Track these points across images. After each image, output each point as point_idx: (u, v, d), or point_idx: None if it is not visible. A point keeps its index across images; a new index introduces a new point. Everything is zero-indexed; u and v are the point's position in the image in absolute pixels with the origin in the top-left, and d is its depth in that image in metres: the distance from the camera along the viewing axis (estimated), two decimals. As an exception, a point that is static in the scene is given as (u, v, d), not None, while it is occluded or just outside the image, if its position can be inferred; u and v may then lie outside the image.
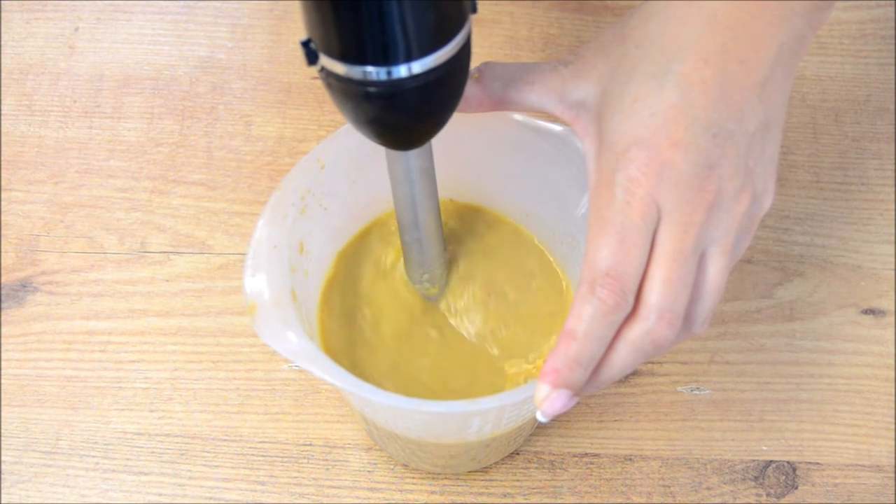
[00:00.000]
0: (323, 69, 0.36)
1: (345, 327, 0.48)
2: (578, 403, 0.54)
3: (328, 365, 0.39)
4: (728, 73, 0.36)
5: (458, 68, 0.37)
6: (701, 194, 0.35)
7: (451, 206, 0.51)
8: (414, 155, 0.41)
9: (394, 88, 0.35)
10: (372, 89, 0.35)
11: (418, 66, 0.35)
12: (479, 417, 0.41)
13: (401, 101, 0.36)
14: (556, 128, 0.45)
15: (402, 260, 0.49)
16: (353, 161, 0.46)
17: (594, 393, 0.40)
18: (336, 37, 0.34)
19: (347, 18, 0.33)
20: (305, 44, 0.35)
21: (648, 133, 0.35)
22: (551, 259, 0.50)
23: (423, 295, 0.49)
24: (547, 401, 0.36)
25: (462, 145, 0.46)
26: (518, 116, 0.46)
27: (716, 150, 0.35)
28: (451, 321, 0.48)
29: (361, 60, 0.34)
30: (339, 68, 0.35)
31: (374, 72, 0.34)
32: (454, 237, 0.51)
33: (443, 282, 0.49)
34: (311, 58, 0.35)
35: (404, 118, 0.37)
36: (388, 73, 0.34)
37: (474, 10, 0.36)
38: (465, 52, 0.36)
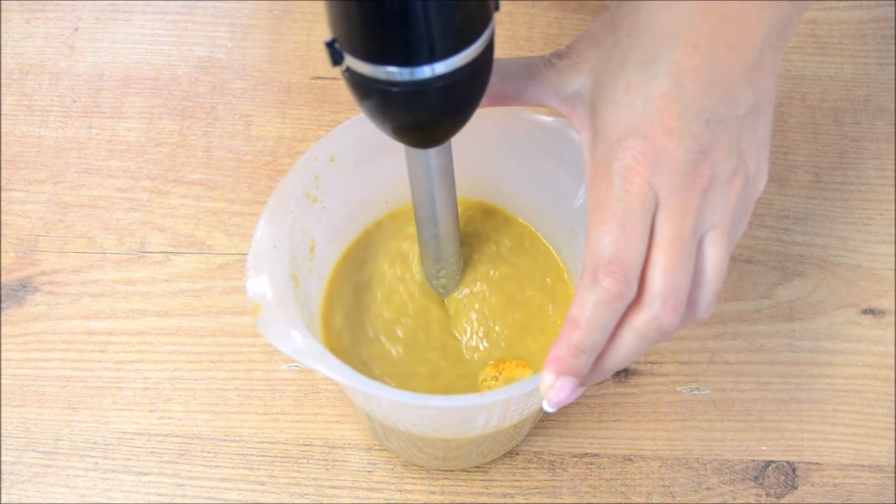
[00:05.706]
0: (347, 69, 0.36)
1: (349, 326, 0.48)
2: (577, 403, 0.54)
3: (336, 364, 0.39)
4: (718, 58, 0.36)
5: (481, 68, 0.37)
6: (696, 180, 0.36)
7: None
8: (434, 153, 0.41)
9: (417, 88, 0.35)
10: (395, 89, 0.35)
11: (442, 67, 0.35)
12: (486, 411, 0.41)
13: (424, 101, 0.36)
14: (551, 120, 0.46)
15: (406, 261, 0.49)
16: (352, 159, 0.46)
17: (599, 382, 0.40)
18: (361, 37, 0.34)
19: (373, 19, 0.33)
20: (330, 44, 0.35)
21: (642, 122, 0.36)
22: (554, 253, 0.50)
23: (437, 291, 0.49)
24: (552, 389, 0.37)
25: (457, 139, 0.46)
26: (514, 109, 0.46)
27: (708, 136, 0.36)
28: (456, 318, 0.48)
29: (385, 61, 0.34)
30: (364, 68, 0.35)
31: (397, 72, 0.34)
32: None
33: (457, 278, 0.49)
34: (336, 58, 0.35)
35: (427, 118, 0.37)
36: (412, 73, 0.34)
37: (497, 9, 0.36)
38: (488, 52, 0.37)
